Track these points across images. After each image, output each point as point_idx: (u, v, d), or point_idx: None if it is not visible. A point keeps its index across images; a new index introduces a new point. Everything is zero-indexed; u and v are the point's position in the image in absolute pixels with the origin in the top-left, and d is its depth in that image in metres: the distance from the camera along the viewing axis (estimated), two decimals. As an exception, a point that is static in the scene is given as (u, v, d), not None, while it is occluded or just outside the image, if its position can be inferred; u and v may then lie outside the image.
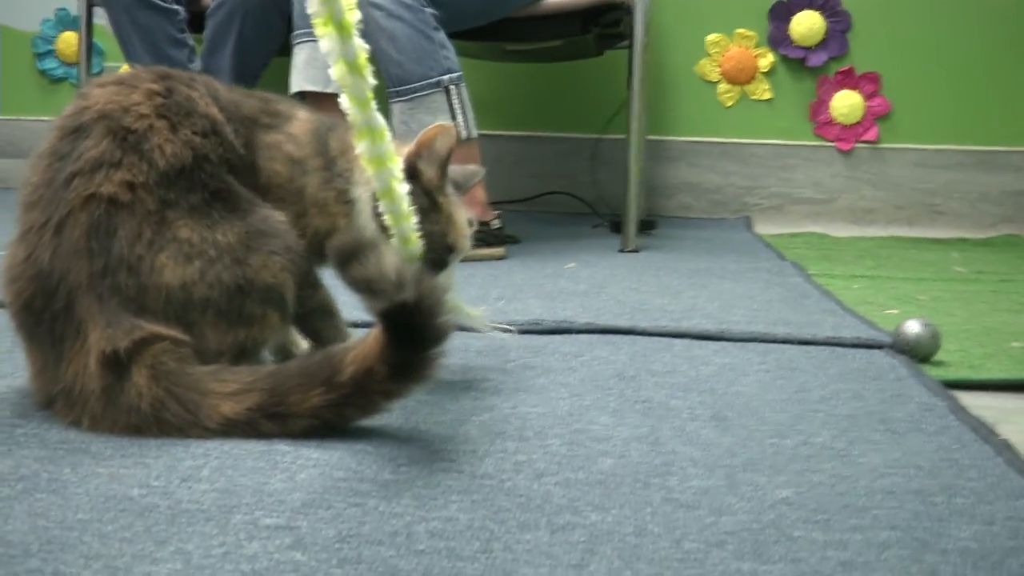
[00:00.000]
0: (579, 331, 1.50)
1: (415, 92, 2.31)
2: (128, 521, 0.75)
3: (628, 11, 2.59)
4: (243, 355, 1.01)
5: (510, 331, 1.28)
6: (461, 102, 2.33)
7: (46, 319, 0.97)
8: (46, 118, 3.39)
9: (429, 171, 1.14)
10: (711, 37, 3.28)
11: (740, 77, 3.28)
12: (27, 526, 0.74)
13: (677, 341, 1.47)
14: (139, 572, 0.67)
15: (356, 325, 1.21)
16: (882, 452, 0.98)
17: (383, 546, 0.72)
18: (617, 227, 2.69)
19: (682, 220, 3.26)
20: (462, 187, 1.23)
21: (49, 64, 3.57)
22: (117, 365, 0.94)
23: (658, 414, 1.09)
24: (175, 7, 2.59)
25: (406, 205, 1.07)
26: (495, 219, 2.40)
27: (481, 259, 2.27)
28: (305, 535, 0.74)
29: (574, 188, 3.31)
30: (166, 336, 0.96)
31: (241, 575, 0.67)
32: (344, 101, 1.01)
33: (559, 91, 3.38)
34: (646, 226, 2.88)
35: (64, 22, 3.52)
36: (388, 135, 1.04)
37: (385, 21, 2.28)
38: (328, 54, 0.98)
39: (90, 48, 2.81)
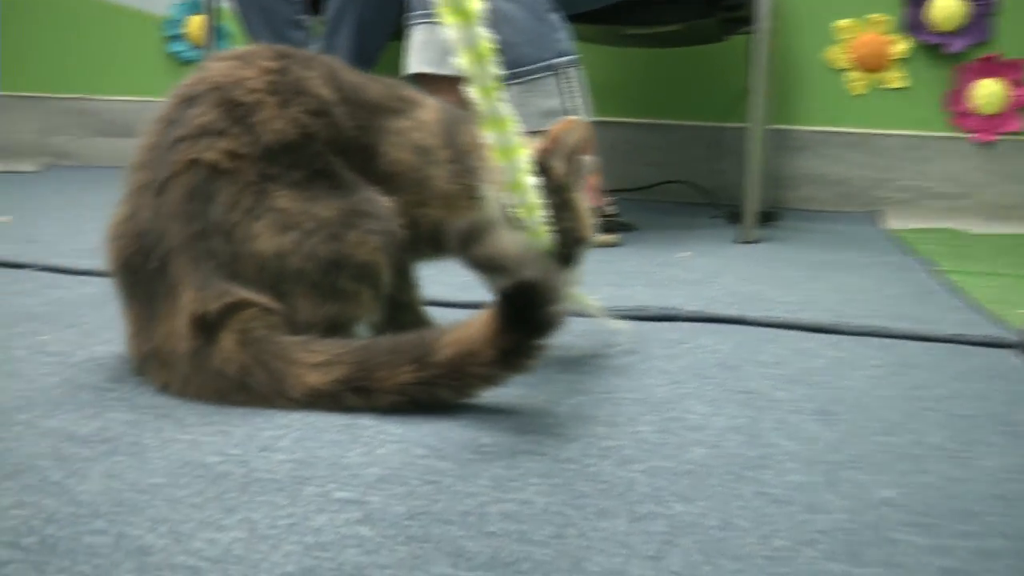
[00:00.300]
0: (685, 319, 1.45)
1: (529, 75, 2.28)
2: (200, 487, 0.74)
3: (754, -6, 2.51)
4: (334, 330, 1.00)
5: (625, 325, 1.24)
6: (575, 86, 2.29)
7: (143, 279, 0.98)
8: (177, 100, 3.49)
9: (559, 167, 1.13)
10: (841, 22, 3.16)
11: (872, 64, 3.15)
12: (100, 487, 0.73)
13: (788, 332, 1.40)
14: (203, 538, 0.66)
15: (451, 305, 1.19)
16: (1001, 456, 0.91)
17: (453, 525, 0.70)
18: (736, 218, 2.61)
19: (806, 213, 3.15)
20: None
21: (178, 47, 3.66)
22: (207, 328, 0.94)
23: (759, 405, 1.03)
24: (296, -11, 2.62)
25: (535, 198, 1.05)
26: (609, 205, 2.35)
27: (595, 246, 2.23)
28: (375, 510, 0.72)
29: (693, 177, 3.23)
30: (257, 303, 0.95)
31: (304, 547, 0.65)
32: (471, 91, 0.99)
33: (680, 77, 3.30)
34: (767, 218, 2.79)
35: (193, 5, 3.60)
36: (514, 125, 1.02)
37: (500, 4, 2.26)
38: (453, 42, 0.96)
39: (216, 30, 2.87)
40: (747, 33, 2.59)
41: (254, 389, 0.93)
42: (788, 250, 2.35)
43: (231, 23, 3.35)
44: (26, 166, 3.59)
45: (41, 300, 1.39)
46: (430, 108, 1.15)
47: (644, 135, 3.35)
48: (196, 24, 3.58)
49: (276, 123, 1.00)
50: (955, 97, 3.11)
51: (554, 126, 1.13)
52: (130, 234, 0.99)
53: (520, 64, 2.28)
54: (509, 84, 2.29)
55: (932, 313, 1.59)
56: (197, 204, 0.97)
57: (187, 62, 3.63)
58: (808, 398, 1.07)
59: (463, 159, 1.12)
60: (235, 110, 1.00)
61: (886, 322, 1.49)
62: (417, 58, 2.45)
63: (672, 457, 0.86)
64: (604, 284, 1.77)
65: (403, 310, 1.19)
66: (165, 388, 0.97)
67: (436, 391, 0.92)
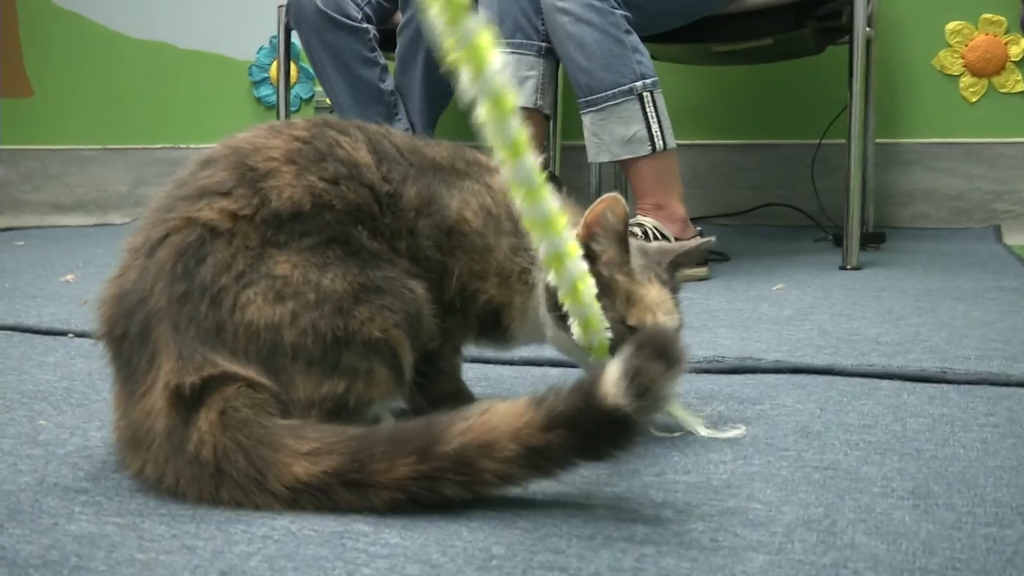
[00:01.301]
0: (765, 370, 1.29)
1: (606, 101, 2.15)
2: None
3: (848, 1, 2.32)
4: (343, 411, 0.88)
5: (738, 430, 1.05)
6: (656, 110, 2.14)
7: (126, 347, 0.88)
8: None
9: (607, 250, 0.99)
10: (952, 25, 2.93)
11: (987, 68, 2.92)
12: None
13: (884, 383, 1.22)
14: None
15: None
16: None
17: None
18: (840, 240, 2.42)
19: (918, 231, 2.92)
20: (674, 252, 1.06)
21: (265, 91, 3.64)
22: (184, 404, 0.83)
23: (841, 486, 0.87)
24: (365, 25, 2.54)
25: (583, 283, 0.91)
26: (696, 236, 2.19)
27: (682, 281, 2.07)
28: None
29: (795, 199, 3.04)
30: (242, 377, 0.84)
31: None
32: (495, 152, 0.84)
33: (777, 94, 3.12)
34: (873, 239, 2.59)
35: (277, 50, 3.57)
36: (549, 190, 0.86)
37: (572, 27, 2.13)
38: (466, 90, 0.80)
39: (288, 72, 2.81)
40: (847, 43, 2.40)
41: (232, 479, 0.81)
42: (895, 275, 2.15)
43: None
44: (116, 218, 3.60)
45: (61, 374, 1.31)
46: (500, 176, 1.04)
47: (741, 156, 3.17)
48: (280, 67, 3.55)
49: (287, 191, 0.91)
50: (1081, 99, 2.85)
51: (593, 206, 0.99)
52: (115, 296, 0.90)
53: (597, 90, 2.14)
54: (587, 112, 2.16)
55: (1058, 350, 1.39)
56: (186, 265, 0.87)
57: (273, 106, 3.61)
58: (902, 474, 0.90)
59: (523, 236, 1.00)
60: (247, 173, 0.92)
61: (1001, 365, 1.30)
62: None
63: (722, 569, 0.70)
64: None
65: (442, 378, 1.06)
66: (140, 474, 0.86)
67: (440, 487, 0.78)
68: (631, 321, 0.99)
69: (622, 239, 0.99)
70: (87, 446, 1.00)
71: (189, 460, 0.83)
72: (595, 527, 0.78)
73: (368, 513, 0.79)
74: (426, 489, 0.78)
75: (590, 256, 0.98)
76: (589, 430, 0.77)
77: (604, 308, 0.96)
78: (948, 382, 1.22)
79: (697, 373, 1.29)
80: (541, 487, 0.86)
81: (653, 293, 1.00)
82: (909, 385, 1.21)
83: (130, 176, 3.78)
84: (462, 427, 0.79)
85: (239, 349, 0.85)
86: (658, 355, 0.76)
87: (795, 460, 0.94)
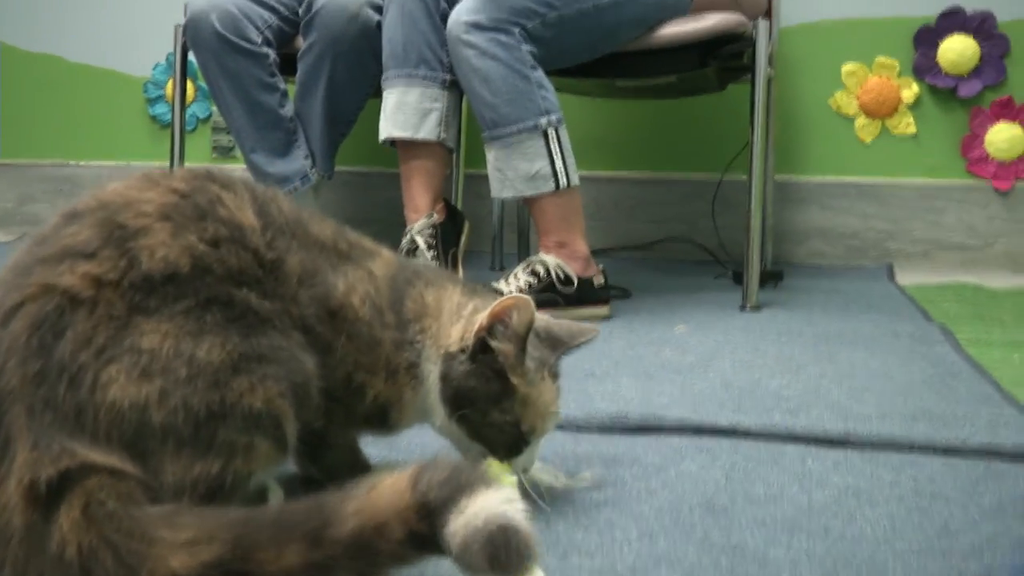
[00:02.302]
0: (670, 429, 1.26)
1: (510, 136, 2.11)
2: None
3: (750, 42, 2.34)
4: (219, 492, 0.81)
5: (592, 482, 1.05)
6: (561, 147, 2.12)
7: None
8: (156, 163, 3.34)
9: (504, 348, 0.95)
10: (848, 67, 2.98)
11: (881, 110, 2.97)
12: None
13: (789, 447, 1.21)
14: None
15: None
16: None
17: None
18: (740, 278, 2.43)
19: (814, 269, 2.96)
20: (563, 345, 1.02)
21: (160, 109, 3.52)
22: (40, 500, 0.75)
23: (749, 572, 0.84)
24: (265, 50, 2.47)
25: None
26: (598, 274, 2.17)
27: (583, 319, 2.05)
28: None
29: (695, 234, 3.05)
30: (103, 467, 0.76)
31: None
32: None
33: (679, 129, 3.13)
34: (772, 277, 2.61)
35: (174, 70, 3.46)
36: None
37: (478, 61, 2.09)
38: None
39: (183, 92, 2.72)
40: (748, 81, 2.42)
41: None
42: (794, 318, 2.16)
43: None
44: (1, 236, 3.44)
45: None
46: (385, 261, 1.00)
47: (645, 190, 3.17)
48: (174, 85, 3.44)
49: (161, 251, 0.83)
50: (971, 142, 2.93)
51: (497, 302, 0.95)
52: None
53: (501, 124, 2.11)
54: (491, 147, 2.13)
55: (956, 407, 1.40)
56: (42, 339, 0.79)
57: (168, 124, 3.49)
58: (810, 556, 0.88)
59: (405, 329, 0.97)
60: (115, 232, 0.83)
61: (903, 424, 1.30)
62: (390, 122, 2.28)
63: None
64: (584, 375, 1.58)
65: (334, 450, 1.01)
66: (3, 570, 0.78)
67: (335, 574, 0.73)
68: (524, 427, 0.96)
69: (521, 342, 0.95)
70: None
71: (52, 561, 0.75)
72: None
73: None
74: None
75: (484, 347, 0.95)
76: None
77: (502, 411, 0.95)
78: (851, 445, 1.21)
79: (601, 432, 1.26)
80: (432, 566, 0.82)
81: (547, 395, 0.97)
82: (813, 450, 1.20)
83: (16, 192, 3.61)
84: (355, 507, 0.73)
85: (100, 433, 0.77)
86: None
87: (702, 541, 0.91)
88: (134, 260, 0.82)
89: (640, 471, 1.10)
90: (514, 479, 0.95)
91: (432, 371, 0.97)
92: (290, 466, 1.01)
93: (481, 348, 0.95)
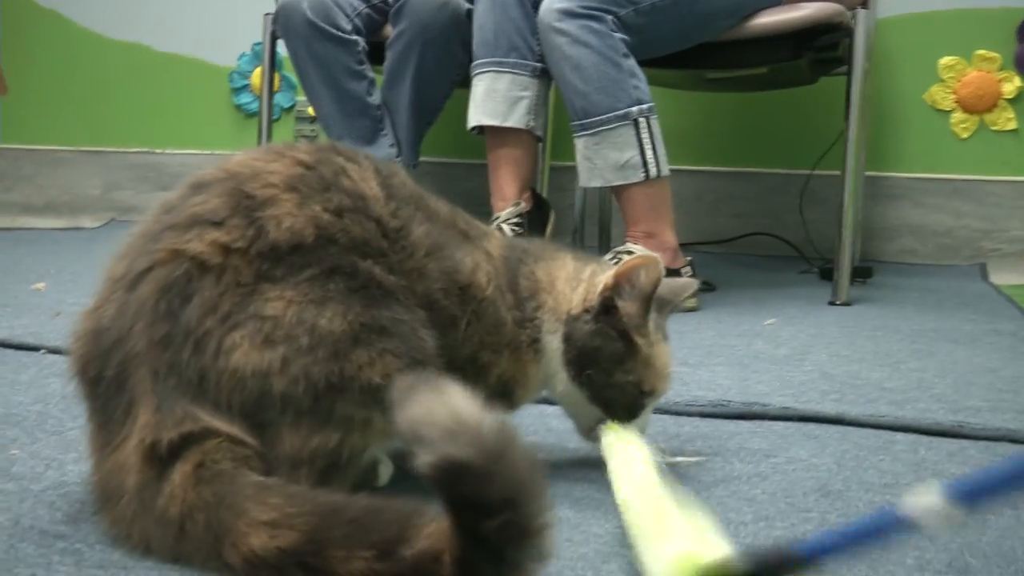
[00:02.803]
0: (774, 417, 1.23)
1: (601, 125, 2.09)
2: None
3: (848, 33, 2.29)
4: (335, 465, 0.80)
5: (700, 459, 1.05)
6: (652, 136, 2.09)
7: (101, 390, 0.80)
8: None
9: (629, 308, 0.97)
10: (945, 60, 2.91)
11: (979, 105, 2.89)
12: None
13: (899, 436, 1.18)
14: None
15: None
16: None
17: None
18: (827, 274, 2.39)
19: (904, 267, 2.89)
20: (668, 303, 1.03)
21: (244, 99, 3.56)
22: (158, 460, 0.76)
23: (873, 556, 0.81)
24: (354, 37, 2.48)
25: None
26: (686, 266, 2.15)
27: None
28: None
29: (781, 229, 3.00)
30: (224, 433, 0.76)
31: None
32: None
33: (768, 122, 3.08)
34: (861, 273, 2.55)
35: (260, 57, 3.49)
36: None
37: (570, 48, 2.08)
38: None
39: (272, 80, 2.74)
40: (841, 75, 2.37)
41: (191, 542, 0.73)
42: (887, 314, 2.11)
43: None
44: (87, 222, 3.51)
45: (35, 395, 1.23)
46: (496, 242, 1.01)
47: (730, 184, 3.13)
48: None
49: (288, 221, 0.83)
50: (1071, 140, 2.84)
51: (625, 261, 0.96)
52: (91, 332, 0.82)
53: (592, 114, 2.09)
54: (580, 135, 2.11)
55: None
56: (170, 303, 0.79)
57: (253, 114, 3.53)
58: (934, 540, 0.84)
59: (523, 306, 0.98)
60: (243, 201, 0.83)
61: (1015, 418, 1.25)
62: (479, 109, 2.28)
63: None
64: (678, 364, 1.55)
65: None
66: (111, 530, 0.78)
67: None
68: (645, 387, 0.98)
69: (647, 300, 0.97)
70: (64, 481, 0.92)
71: (157, 519, 0.75)
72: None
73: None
74: None
75: (608, 308, 0.96)
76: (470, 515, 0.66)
77: (625, 371, 0.96)
78: (965, 437, 1.17)
79: (703, 417, 1.23)
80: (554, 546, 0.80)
81: (664, 356, 1.00)
82: (925, 439, 1.16)
83: (103, 179, 3.68)
84: (430, 530, 0.69)
85: (222, 399, 0.77)
86: None
87: (819, 523, 0.89)
88: (261, 229, 0.82)
89: (748, 456, 1.08)
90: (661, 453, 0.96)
91: (552, 341, 0.98)
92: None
93: (604, 308, 0.96)
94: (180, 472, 0.75)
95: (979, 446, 1.14)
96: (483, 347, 0.95)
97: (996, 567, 0.80)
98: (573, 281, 0.99)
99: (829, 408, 1.28)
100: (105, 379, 0.79)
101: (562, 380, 0.98)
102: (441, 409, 0.63)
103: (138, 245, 0.84)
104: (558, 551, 0.80)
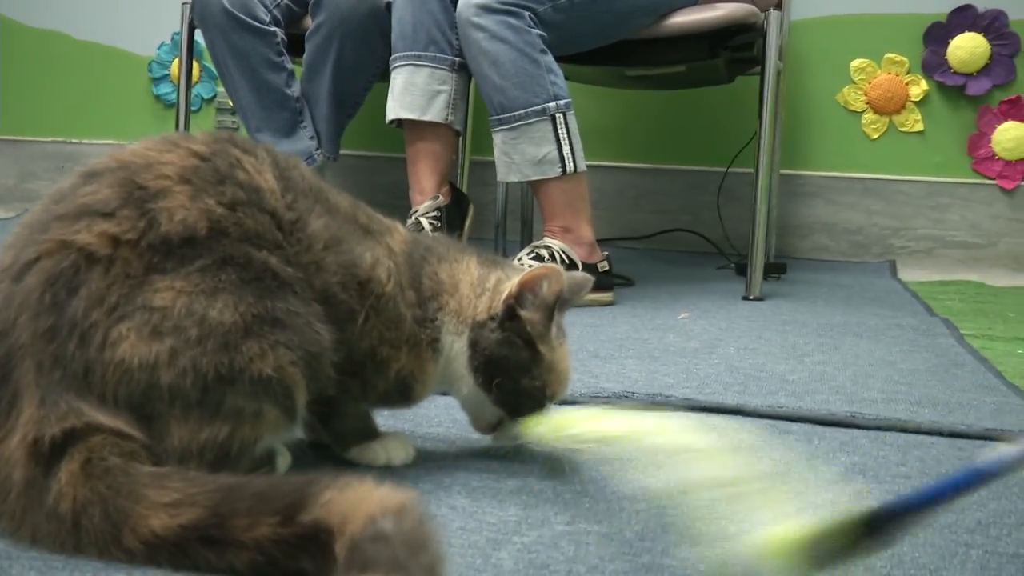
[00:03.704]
0: (676, 407, 1.26)
1: (518, 120, 2.11)
2: None
3: (761, 33, 2.34)
4: (225, 459, 0.80)
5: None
6: (568, 132, 2.11)
7: None
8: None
9: (532, 316, 0.98)
10: (857, 62, 2.98)
11: (888, 107, 2.97)
12: None
13: (795, 426, 1.21)
14: None
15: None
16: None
17: None
18: (743, 269, 2.43)
19: (817, 263, 2.96)
20: (565, 302, 1.03)
21: (164, 89, 3.51)
22: (43, 457, 0.75)
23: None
24: (272, 28, 2.46)
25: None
26: (603, 260, 2.17)
27: (586, 305, 2.05)
28: None
29: (699, 225, 3.05)
30: (109, 428, 0.76)
31: None
32: None
33: (687, 120, 3.13)
34: (775, 269, 2.61)
35: (180, 47, 3.45)
36: None
37: (488, 44, 2.09)
38: None
39: (190, 71, 2.71)
40: (756, 74, 2.41)
41: (89, 534, 0.73)
42: (797, 308, 2.16)
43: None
44: (1, 212, 3.43)
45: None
46: (400, 237, 1.01)
47: (650, 180, 3.17)
48: (180, 65, 3.43)
49: (180, 213, 0.82)
50: (977, 141, 2.93)
51: (528, 272, 0.98)
52: None
53: (509, 109, 2.10)
54: (498, 130, 2.12)
55: (961, 395, 1.40)
56: (55, 295, 0.78)
57: (173, 105, 3.48)
58: (817, 528, 0.87)
59: (425, 305, 0.98)
60: (135, 192, 0.82)
61: (908, 409, 1.30)
62: (398, 103, 2.28)
63: (638, 637, 0.66)
64: (589, 356, 1.58)
65: (345, 418, 1.00)
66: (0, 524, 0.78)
67: (298, 557, 0.71)
68: (548, 392, 1.00)
69: (550, 311, 0.99)
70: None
71: (47, 514, 0.74)
72: (503, 585, 0.73)
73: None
74: (286, 555, 0.70)
75: (512, 315, 0.98)
76: None
77: (531, 378, 0.98)
78: (857, 427, 1.21)
79: (610, 404, 1.25)
80: (446, 534, 0.82)
81: (564, 360, 1.02)
82: (819, 429, 1.20)
83: (17, 169, 3.60)
84: (325, 499, 0.70)
85: (108, 393, 0.77)
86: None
87: (708, 509, 0.91)
88: (153, 221, 0.81)
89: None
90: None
91: (453, 344, 0.99)
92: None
93: (508, 315, 0.98)
94: (67, 471, 0.74)
95: (870, 435, 1.18)
96: (382, 342, 0.94)
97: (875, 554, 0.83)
98: (478, 288, 1.00)
99: (731, 399, 1.31)
100: None
101: (467, 384, 0.99)
102: None
103: (25, 235, 0.83)
104: (450, 539, 0.81)
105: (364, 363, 0.94)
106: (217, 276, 0.81)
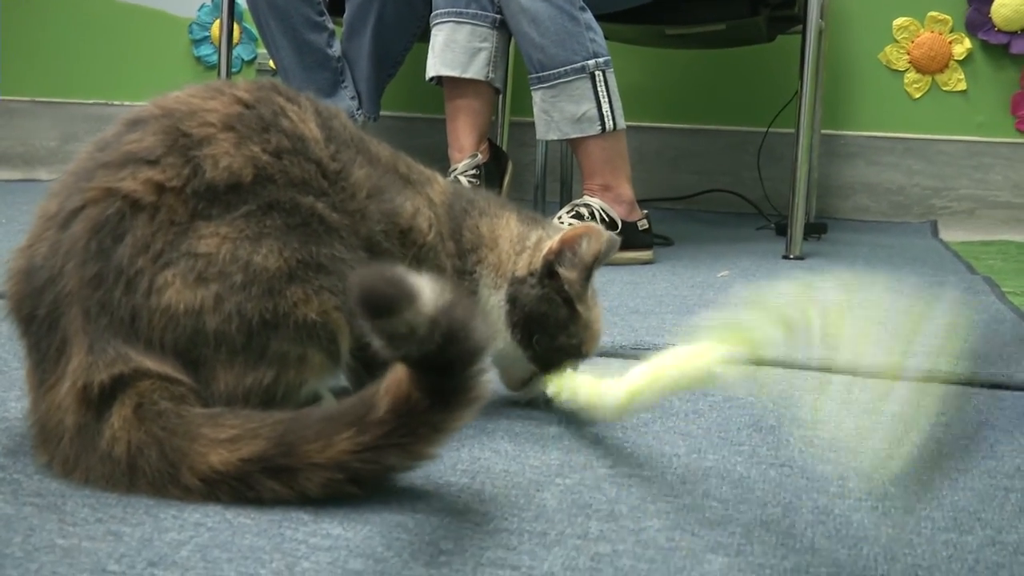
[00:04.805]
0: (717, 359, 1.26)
1: (558, 78, 2.11)
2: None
3: (803, -10, 2.31)
4: (271, 402, 0.81)
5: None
6: (608, 90, 2.11)
7: (35, 329, 0.80)
8: (199, 105, 3.35)
9: (569, 275, 0.99)
10: (899, 21, 2.94)
11: (931, 66, 2.93)
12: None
13: (836, 378, 1.21)
14: None
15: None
16: (1105, 566, 0.72)
17: None
18: (783, 229, 2.42)
19: (858, 224, 2.94)
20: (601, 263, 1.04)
21: (205, 51, 3.54)
22: (93, 402, 0.76)
23: (799, 484, 0.85)
24: (313, -12, 2.47)
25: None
26: (642, 219, 2.17)
27: (625, 263, 2.05)
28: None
29: (739, 186, 3.03)
30: (156, 373, 0.77)
31: None
32: None
33: (725, 80, 3.11)
34: (816, 229, 2.59)
35: (220, 8, 3.46)
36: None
37: (527, 1, 2.08)
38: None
39: (231, 32, 2.73)
40: (797, 33, 2.39)
41: (145, 474, 0.75)
42: (838, 267, 2.15)
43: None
44: (43, 174, 3.48)
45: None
46: (441, 188, 1.02)
47: (687, 141, 3.16)
48: (221, 27, 3.44)
49: (225, 160, 0.82)
50: (1020, 100, 2.88)
51: (568, 230, 0.99)
52: (23, 271, 0.82)
53: (549, 67, 2.10)
54: (537, 88, 2.12)
55: (1001, 347, 1.39)
56: (101, 242, 0.79)
57: (214, 67, 3.50)
58: (857, 472, 0.88)
59: (465, 258, 1.00)
60: (179, 140, 0.83)
61: (950, 360, 1.29)
62: (439, 59, 2.28)
63: (681, 572, 0.68)
64: (629, 311, 1.58)
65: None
66: (49, 467, 0.79)
67: (383, 457, 0.74)
68: (583, 349, 1.02)
69: (587, 270, 0.99)
70: (5, 417, 0.94)
71: (101, 457, 0.76)
72: (547, 522, 0.74)
73: (307, 505, 0.74)
74: (368, 462, 0.73)
75: (551, 273, 0.99)
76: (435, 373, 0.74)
77: (569, 335, 1.00)
78: (899, 378, 1.20)
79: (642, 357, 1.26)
80: (489, 476, 0.83)
81: (599, 320, 1.03)
82: (860, 381, 1.20)
83: (59, 131, 3.65)
84: (384, 388, 0.74)
85: (154, 339, 0.78)
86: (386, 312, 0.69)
87: (750, 455, 0.92)
88: (197, 168, 0.81)
89: (687, 395, 1.11)
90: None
91: (490, 298, 1.00)
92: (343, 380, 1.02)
93: (548, 272, 0.99)
94: (119, 415, 0.76)
95: (911, 388, 1.18)
96: None
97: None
98: (518, 244, 1.01)
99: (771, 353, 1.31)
100: (38, 318, 0.80)
101: (503, 338, 1.00)
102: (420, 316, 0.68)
103: (71, 183, 0.83)
104: (494, 480, 0.82)
105: None
106: (262, 222, 0.82)
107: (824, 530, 0.76)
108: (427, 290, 0.68)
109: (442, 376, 0.72)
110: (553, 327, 1.00)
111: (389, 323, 0.67)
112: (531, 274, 1.00)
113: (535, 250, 1.01)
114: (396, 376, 0.74)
